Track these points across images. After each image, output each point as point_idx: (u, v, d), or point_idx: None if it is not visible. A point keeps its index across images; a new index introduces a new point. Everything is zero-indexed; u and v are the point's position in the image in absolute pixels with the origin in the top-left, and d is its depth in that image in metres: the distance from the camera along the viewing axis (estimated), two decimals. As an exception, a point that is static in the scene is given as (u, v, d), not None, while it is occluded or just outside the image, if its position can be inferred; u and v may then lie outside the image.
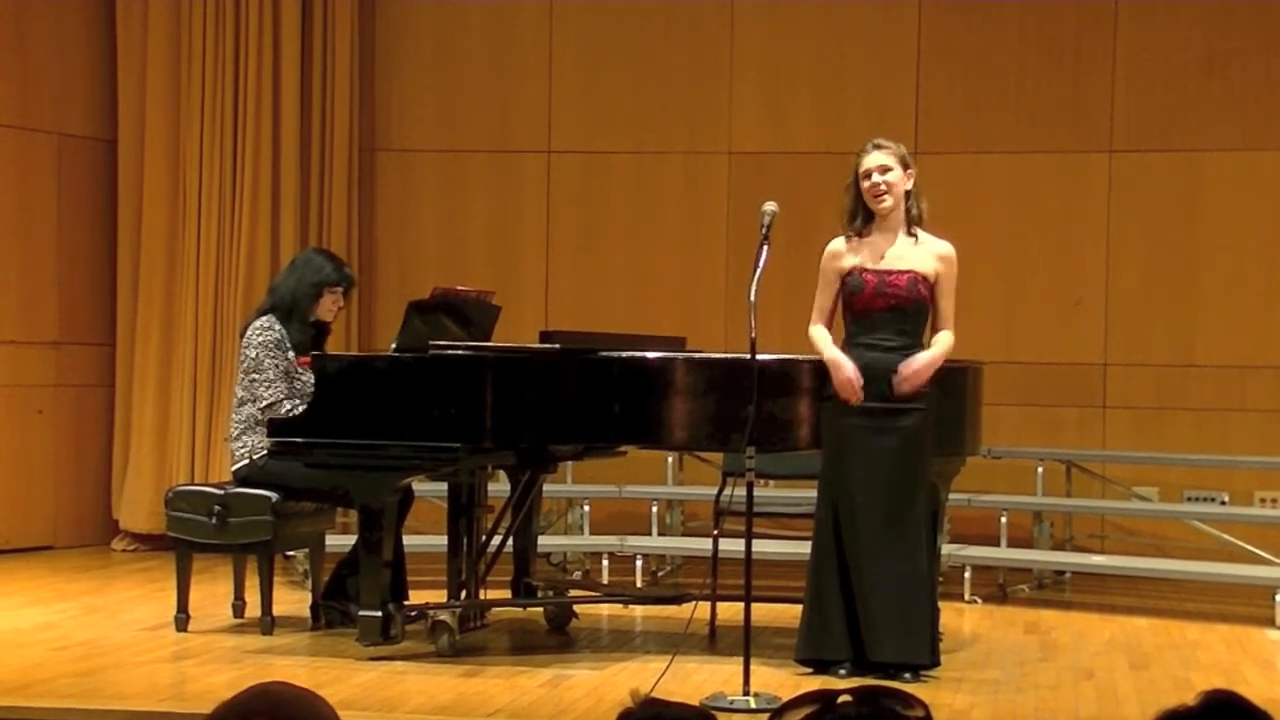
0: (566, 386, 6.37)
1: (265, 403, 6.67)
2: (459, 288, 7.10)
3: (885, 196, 6.03)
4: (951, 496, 7.16)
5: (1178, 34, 9.40)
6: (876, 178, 6.03)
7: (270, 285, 7.18)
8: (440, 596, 6.62)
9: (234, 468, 6.88)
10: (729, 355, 6.57)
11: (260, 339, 6.78)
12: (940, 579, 6.65)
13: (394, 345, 6.39)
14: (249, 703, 2.15)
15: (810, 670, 6.00)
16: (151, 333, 9.52)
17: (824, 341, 6.05)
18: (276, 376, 6.72)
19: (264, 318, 6.84)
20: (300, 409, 6.47)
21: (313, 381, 6.45)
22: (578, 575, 8.71)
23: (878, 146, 6.08)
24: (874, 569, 5.89)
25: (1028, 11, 9.56)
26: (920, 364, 5.95)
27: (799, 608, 6.09)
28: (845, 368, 5.94)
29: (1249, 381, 9.26)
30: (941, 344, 6.04)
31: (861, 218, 6.10)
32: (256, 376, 6.73)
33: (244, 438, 6.78)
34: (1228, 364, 9.29)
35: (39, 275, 9.40)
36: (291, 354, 6.79)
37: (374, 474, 6.20)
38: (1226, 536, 8.50)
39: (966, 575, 8.02)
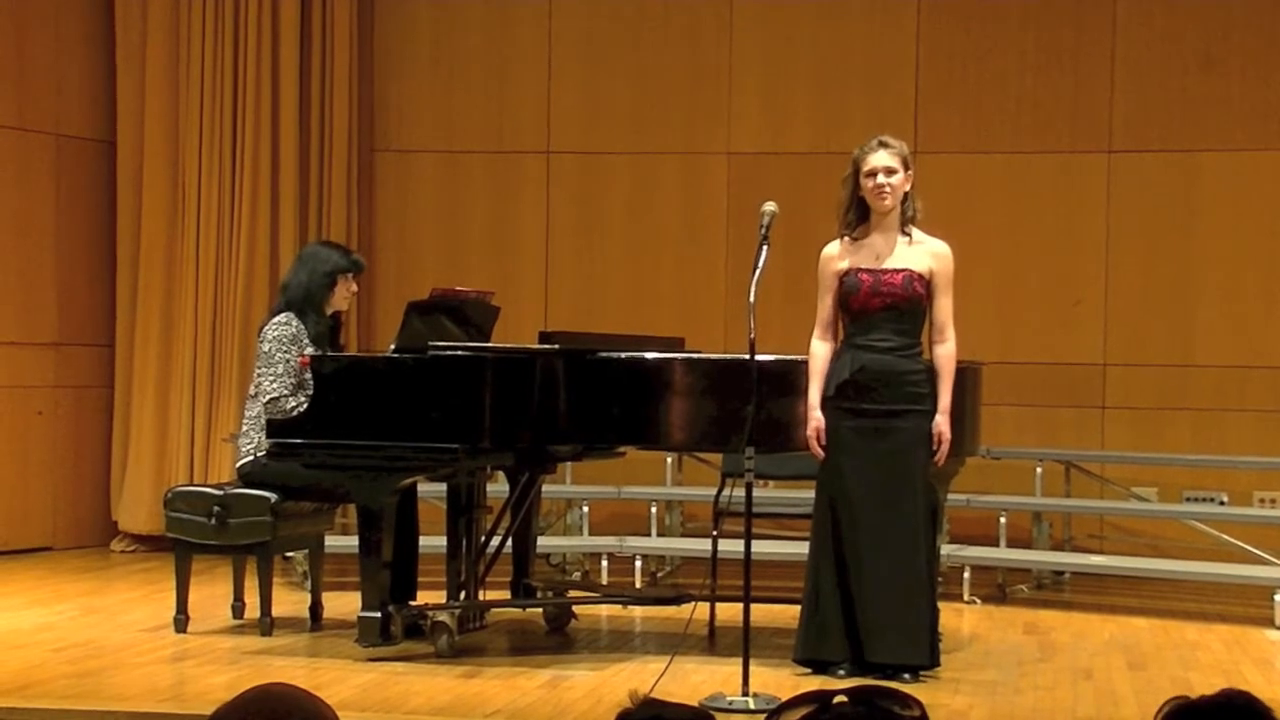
0: (565, 387, 6.37)
1: (268, 396, 6.64)
2: (458, 288, 7.10)
3: (887, 197, 6.00)
4: (950, 497, 7.16)
5: (1176, 34, 9.40)
6: (882, 179, 5.98)
7: (282, 283, 7.08)
8: (440, 597, 6.62)
9: (238, 464, 6.87)
10: (728, 356, 6.57)
11: (276, 333, 6.75)
12: (939, 579, 6.65)
13: (393, 346, 6.39)
14: (249, 704, 2.15)
15: (809, 671, 6.00)
16: (151, 334, 9.52)
17: (813, 373, 5.99)
18: (285, 371, 6.70)
19: (282, 314, 6.82)
20: (304, 407, 6.45)
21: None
22: (577, 576, 8.71)
23: (884, 145, 6.02)
24: (873, 570, 5.89)
25: (1026, 12, 9.56)
26: (944, 428, 5.92)
27: (798, 608, 6.09)
28: (811, 423, 5.92)
29: (1248, 381, 9.26)
30: (948, 371, 5.98)
31: (856, 213, 6.07)
32: (265, 369, 6.71)
33: (251, 434, 6.76)
34: (1226, 364, 9.29)
35: (38, 276, 9.39)
36: (309, 350, 6.76)
37: (373, 475, 6.19)
38: (1225, 537, 8.50)
39: (965, 576, 8.02)
